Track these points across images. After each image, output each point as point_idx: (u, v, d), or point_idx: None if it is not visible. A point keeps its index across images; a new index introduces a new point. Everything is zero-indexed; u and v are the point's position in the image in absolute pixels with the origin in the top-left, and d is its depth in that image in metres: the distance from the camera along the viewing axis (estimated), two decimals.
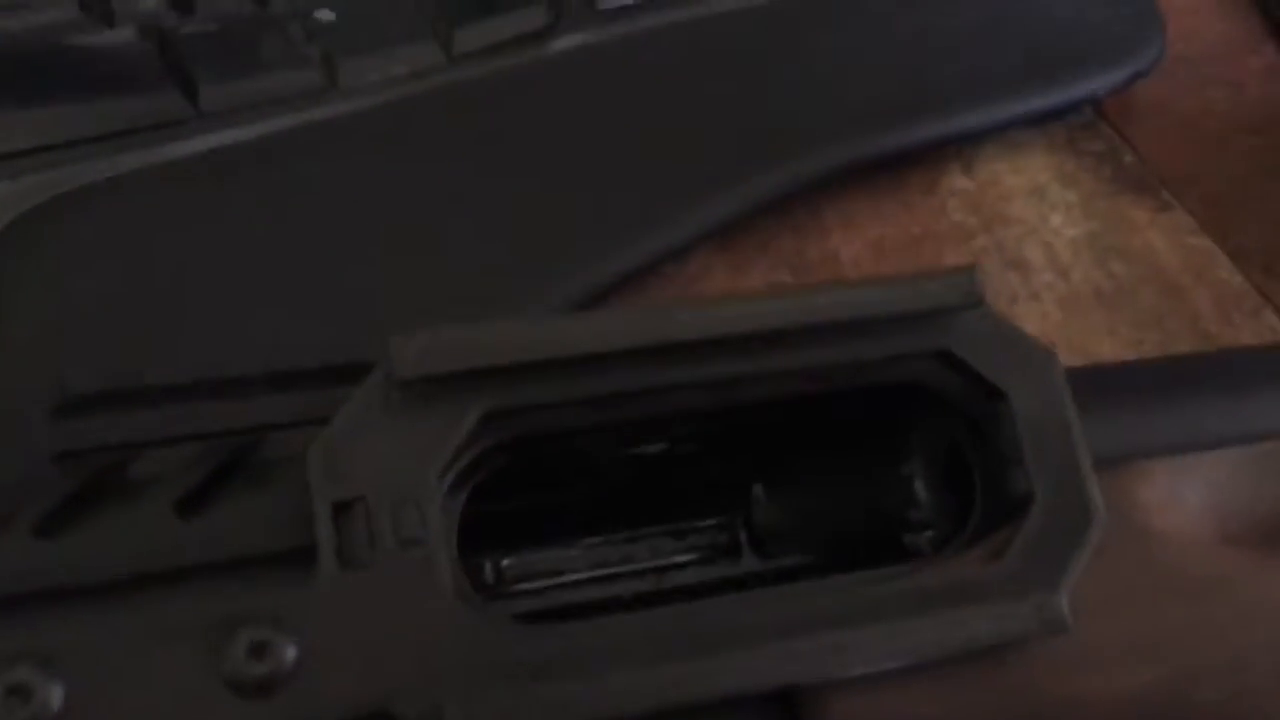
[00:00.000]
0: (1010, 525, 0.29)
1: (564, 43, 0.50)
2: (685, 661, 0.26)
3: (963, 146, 0.57)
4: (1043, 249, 0.54)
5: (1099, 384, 0.33)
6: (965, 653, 0.27)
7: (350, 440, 0.27)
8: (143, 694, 0.24)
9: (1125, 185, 0.56)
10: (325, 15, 0.47)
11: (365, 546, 0.26)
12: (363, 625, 0.26)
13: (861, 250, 0.53)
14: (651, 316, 0.27)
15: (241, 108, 0.44)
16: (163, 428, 0.29)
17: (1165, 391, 0.34)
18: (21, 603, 0.26)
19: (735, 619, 0.27)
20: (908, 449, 0.34)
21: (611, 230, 0.47)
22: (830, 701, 0.27)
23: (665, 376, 0.28)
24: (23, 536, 0.26)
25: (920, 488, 0.34)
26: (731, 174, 0.51)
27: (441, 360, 0.26)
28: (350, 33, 0.47)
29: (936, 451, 0.34)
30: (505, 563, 0.34)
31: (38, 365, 0.33)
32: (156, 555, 0.26)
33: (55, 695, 0.24)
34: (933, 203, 0.55)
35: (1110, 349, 0.51)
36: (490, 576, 0.34)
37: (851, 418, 0.33)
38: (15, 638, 0.25)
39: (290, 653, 0.25)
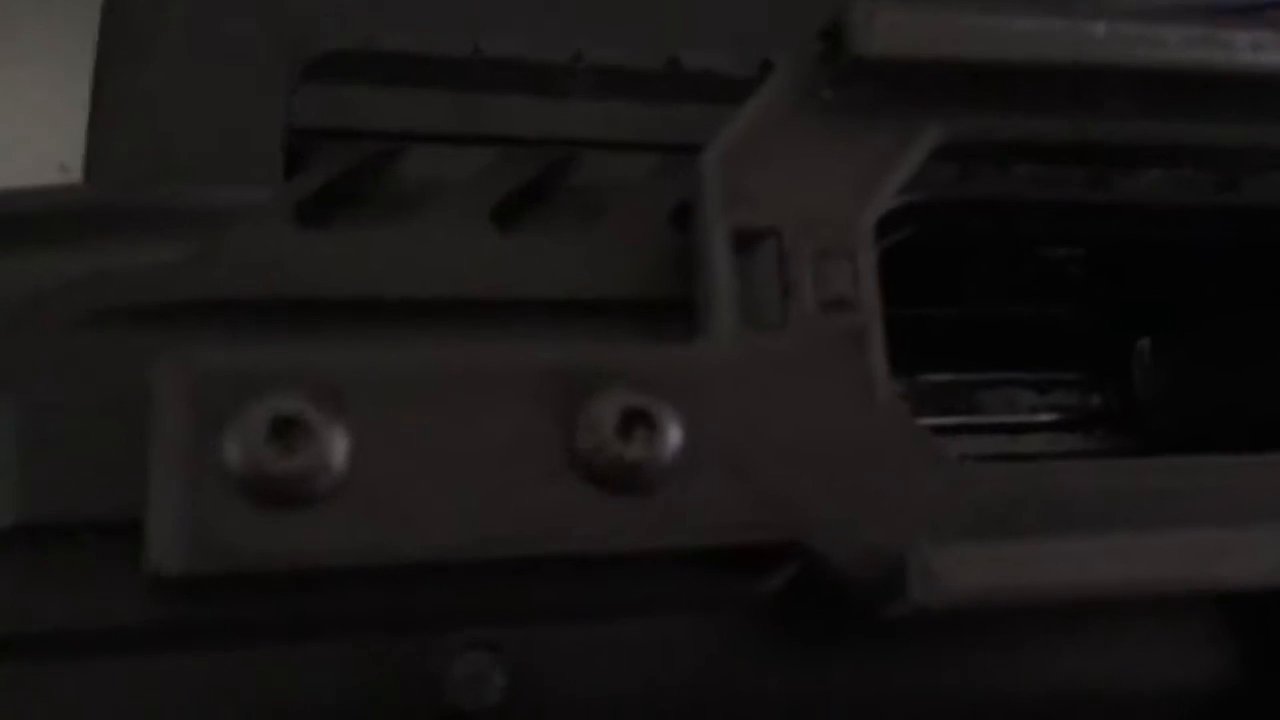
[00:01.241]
0: None
1: None
2: (1202, 533, 0.18)
3: None
4: None
5: None
6: None
7: (760, 150, 0.18)
8: (458, 462, 0.16)
9: None
10: None
11: (774, 302, 0.18)
12: (769, 411, 0.17)
13: None
14: (1205, 33, 0.19)
15: None
16: (439, 118, 0.21)
17: None
18: (287, 311, 0.17)
19: (1246, 486, 0.19)
20: None
21: None
22: None
23: (1180, 128, 0.20)
24: (280, 223, 0.18)
25: None
26: None
27: (918, 40, 0.18)
28: None
29: None
30: None
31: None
32: (476, 275, 0.18)
33: (338, 446, 0.16)
34: None
35: None
36: None
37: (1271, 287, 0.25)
38: (282, 358, 0.16)
39: (674, 435, 0.17)
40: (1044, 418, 0.27)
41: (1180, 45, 0.19)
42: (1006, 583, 0.17)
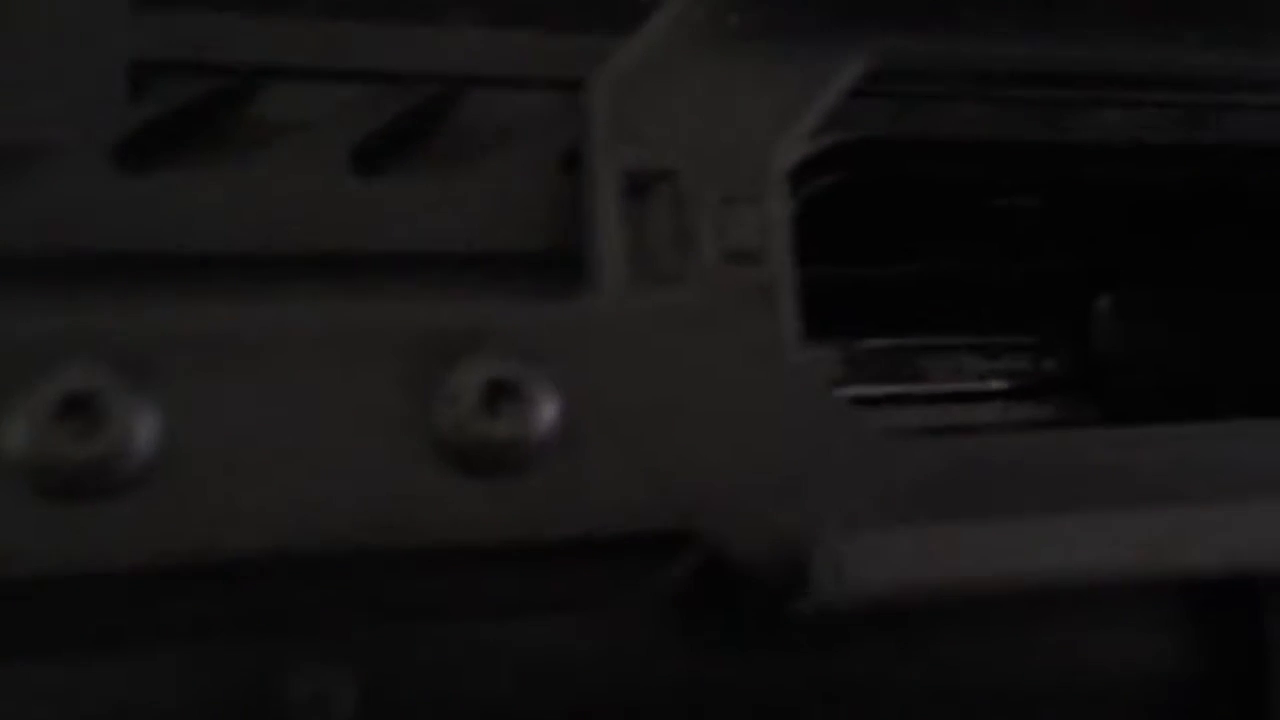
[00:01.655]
0: None
1: None
2: (1152, 516, 0.16)
3: None
4: None
5: None
6: None
7: (654, 82, 0.16)
8: (293, 442, 0.14)
9: None
10: None
11: (670, 253, 0.16)
12: (660, 377, 0.15)
13: None
14: None
15: None
16: (301, 50, 0.18)
17: None
18: (96, 267, 0.15)
19: (1200, 459, 0.17)
20: None
21: None
22: None
23: (1135, 52, 0.18)
24: (98, 165, 0.15)
25: None
26: None
27: None
28: None
29: None
30: None
31: None
32: (326, 225, 0.16)
33: (143, 425, 0.13)
34: None
35: None
36: None
37: (1261, 231, 0.23)
38: (77, 325, 0.14)
39: (548, 409, 0.14)
40: (994, 385, 0.24)
41: None
42: (927, 577, 0.15)
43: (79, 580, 0.13)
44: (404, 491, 0.14)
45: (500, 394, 0.14)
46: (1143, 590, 0.19)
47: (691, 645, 0.16)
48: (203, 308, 0.15)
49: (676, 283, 0.16)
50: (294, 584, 0.15)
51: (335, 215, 0.16)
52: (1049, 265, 0.24)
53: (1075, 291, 0.25)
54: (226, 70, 0.18)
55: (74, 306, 0.15)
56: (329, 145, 0.16)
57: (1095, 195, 0.22)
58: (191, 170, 0.16)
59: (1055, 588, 0.16)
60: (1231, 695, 0.19)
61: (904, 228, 0.23)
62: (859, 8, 0.16)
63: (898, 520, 0.15)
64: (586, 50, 0.18)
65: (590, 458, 0.15)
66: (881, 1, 0.16)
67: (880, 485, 0.16)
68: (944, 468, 0.16)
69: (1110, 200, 0.22)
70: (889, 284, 0.24)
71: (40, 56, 0.17)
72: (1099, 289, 0.25)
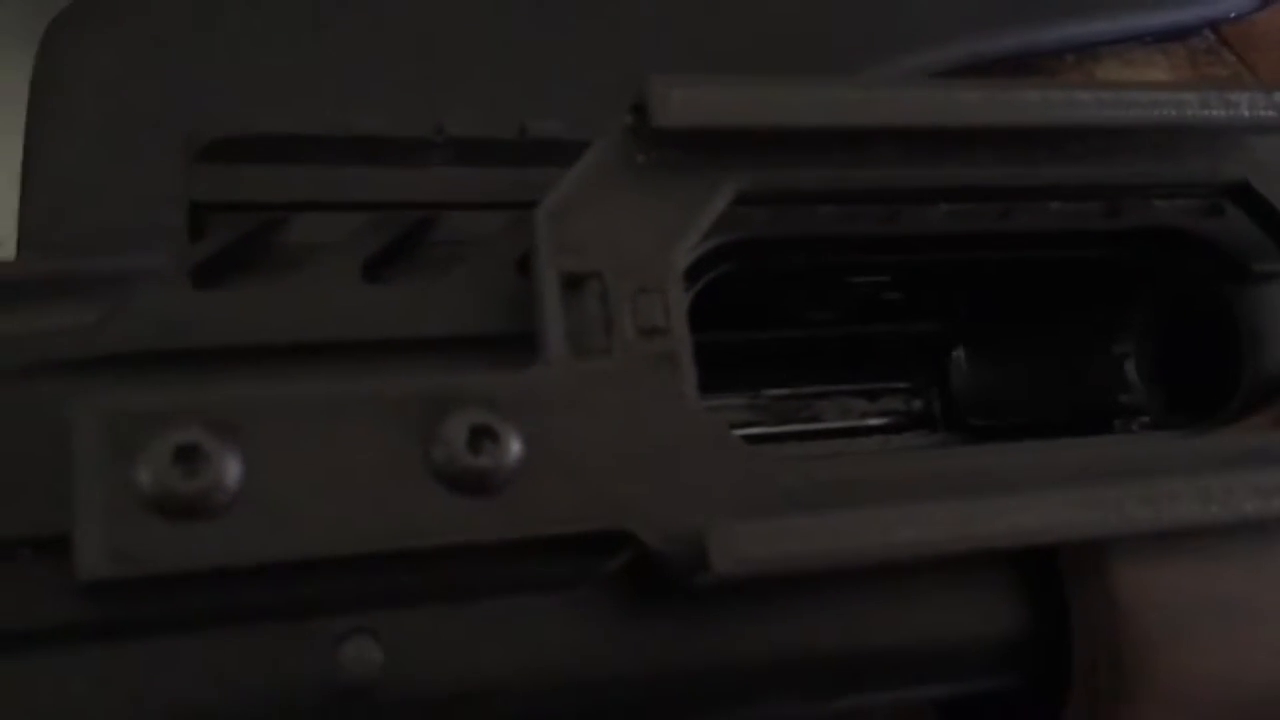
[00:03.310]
0: None
1: None
2: (964, 503, 0.22)
3: (1082, 58, 0.53)
4: None
5: None
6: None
7: (585, 206, 0.22)
8: (334, 475, 0.20)
9: None
10: None
11: (599, 332, 0.22)
12: (595, 423, 0.21)
13: None
14: (946, 93, 0.23)
15: None
16: (319, 190, 0.24)
17: None
18: (185, 359, 0.21)
19: (1010, 466, 0.23)
20: (1124, 327, 0.30)
21: None
22: (1113, 566, 0.23)
23: (938, 173, 0.24)
24: (180, 285, 0.21)
25: (1131, 369, 0.30)
26: (847, 65, 0.47)
27: (709, 111, 0.22)
28: None
29: (1155, 331, 0.30)
30: None
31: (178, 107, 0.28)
32: (345, 321, 0.21)
33: (231, 467, 0.19)
34: None
35: None
36: None
37: (1068, 287, 0.29)
38: (183, 394, 0.19)
39: (515, 446, 0.20)
40: (875, 421, 0.30)
41: (924, 107, 0.22)
42: (794, 550, 0.21)
43: (190, 579, 0.19)
44: (413, 509, 0.20)
45: (480, 437, 0.20)
46: (979, 564, 0.24)
47: (630, 612, 0.22)
48: (263, 383, 0.21)
49: (605, 354, 0.21)
50: (338, 579, 0.20)
51: (352, 313, 0.22)
52: (913, 326, 0.30)
53: (936, 345, 0.31)
54: (265, 207, 0.24)
55: (173, 385, 0.20)
56: (345, 261, 0.22)
57: (935, 272, 0.28)
58: (246, 285, 0.22)
59: (887, 560, 0.22)
60: (1045, 650, 0.25)
61: (795, 300, 0.29)
62: (728, 152, 0.22)
63: (771, 514, 0.21)
64: (534, 181, 0.24)
65: (547, 480, 0.21)
66: (739, 147, 0.22)
67: (759, 493, 0.21)
68: (808, 480, 0.22)
69: (947, 276, 0.28)
70: (787, 344, 0.30)
71: (131, 204, 0.23)
72: (954, 342, 0.31)
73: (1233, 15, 0.54)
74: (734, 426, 0.29)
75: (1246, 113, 0.25)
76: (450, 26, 0.33)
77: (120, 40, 0.33)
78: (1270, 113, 0.25)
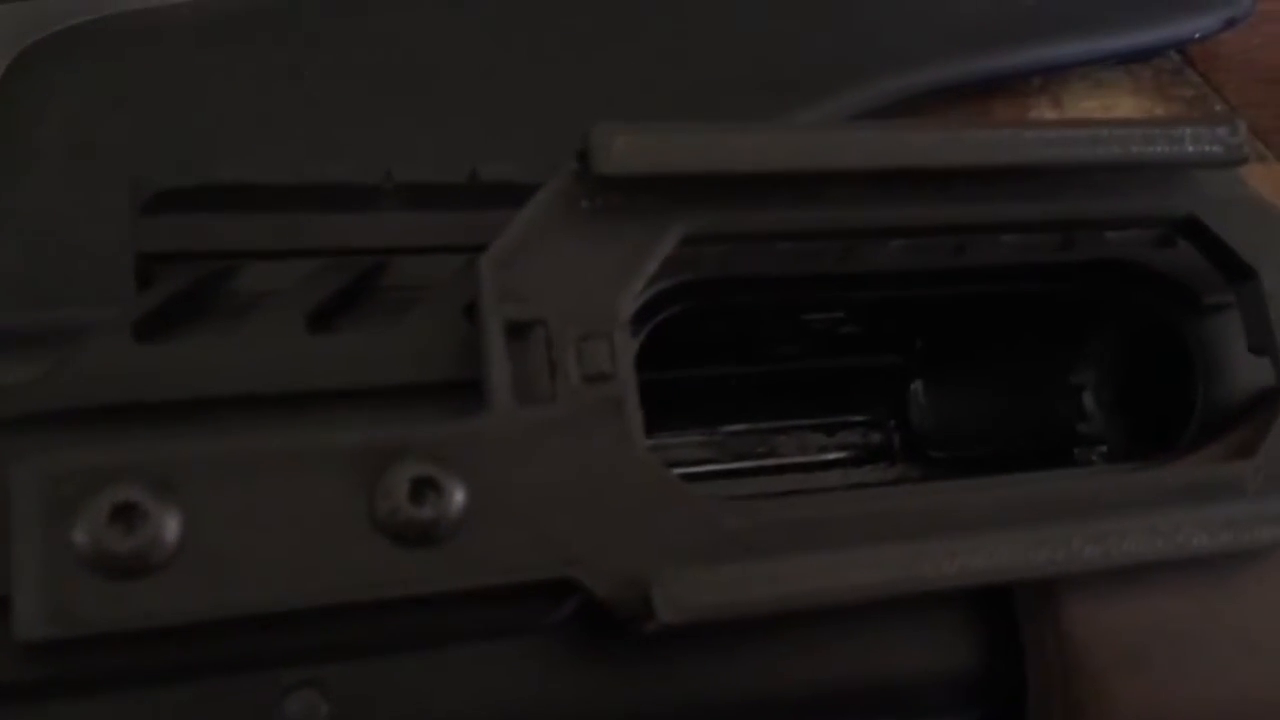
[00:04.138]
0: (1250, 421, 0.25)
1: None
2: (912, 545, 0.22)
3: (1049, 81, 0.53)
4: None
5: None
6: (1229, 552, 0.23)
7: (528, 254, 0.22)
8: (276, 530, 0.19)
9: None
10: None
11: (544, 379, 0.22)
12: (541, 471, 0.21)
13: None
14: (888, 136, 0.23)
15: None
16: (267, 238, 0.24)
17: None
18: (126, 414, 0.20)
19: (960, 504, 0.23)
20: (1080, 358, 0.31)
21: None
22: (1065, 602, 0.23)
23: (887, 212, 0.24)
24: (122, 338, 0.21)
25: (1089, 399, 0.30)
26: (818, 91, 0.48)
27: (651, 158, 0.22)
28: None
29: (1111, 361, 0.30)
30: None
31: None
32: (289, 372, 0.21)
33: (170, 524, 0.19)
34: None
35: None
36: None
37: (1024, 319, 0.29)
38: (120, 453, 0.19)
39: (458, 497, 0.20)
40: (833, 455, 0.30)
41: (870, 150, 0.23)
42: (739, 598, 0.21)
43: (129, 636, 0.19)
44: (357, 561, 0.20)
45: (423, 488, 0.20)
46: (934, 601, 0.24)
47: (583, 658, 0.22)
48: (205, 437, 0.21)
49: (550, 401, 0.21)
50: (283, 633, 0.20)
51: (297, 363, 0.22)
52: (870, 360, 0.30)
53: (894, 378, 0.31)
54: (213, 256, 0.24)
55: (116, 441, 0.20)
56: (289, 311, 0.22)
57: (889, 307, 0.28)
58: (189, 337, 0.22)
59: (835, 605, 0.22)
60: (1001, 685, 0.25)
61: (751, 337, 0.29)
62: (673, 197, 0.22)
63: (717, 560, 0.21)
64: (482, 225, 0.24)
65: (491, 530, 0.20)
66: (688, 193, 0.22)
67: (706, 538, 0.21)
68: (755, 524, 0.22)
69: (903, 310, 0.28)
70: (743, 380, 0.30)
71: (79, 255, 0.23)
72: (912, 375, 0.31)
73: (1198, 36, 0.54)
74: (690, 464, 0.29)
75: (1191, 148, 0.25)
76: (414, 72, 0.33)
77: (87, 80, 0.33)
78: (1215, 148, 0.25)
